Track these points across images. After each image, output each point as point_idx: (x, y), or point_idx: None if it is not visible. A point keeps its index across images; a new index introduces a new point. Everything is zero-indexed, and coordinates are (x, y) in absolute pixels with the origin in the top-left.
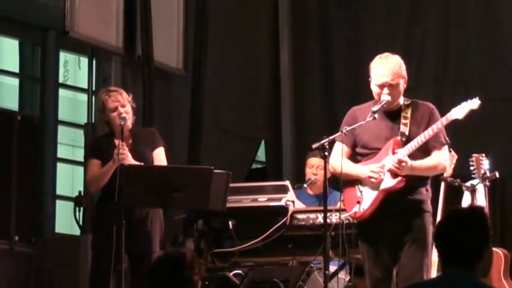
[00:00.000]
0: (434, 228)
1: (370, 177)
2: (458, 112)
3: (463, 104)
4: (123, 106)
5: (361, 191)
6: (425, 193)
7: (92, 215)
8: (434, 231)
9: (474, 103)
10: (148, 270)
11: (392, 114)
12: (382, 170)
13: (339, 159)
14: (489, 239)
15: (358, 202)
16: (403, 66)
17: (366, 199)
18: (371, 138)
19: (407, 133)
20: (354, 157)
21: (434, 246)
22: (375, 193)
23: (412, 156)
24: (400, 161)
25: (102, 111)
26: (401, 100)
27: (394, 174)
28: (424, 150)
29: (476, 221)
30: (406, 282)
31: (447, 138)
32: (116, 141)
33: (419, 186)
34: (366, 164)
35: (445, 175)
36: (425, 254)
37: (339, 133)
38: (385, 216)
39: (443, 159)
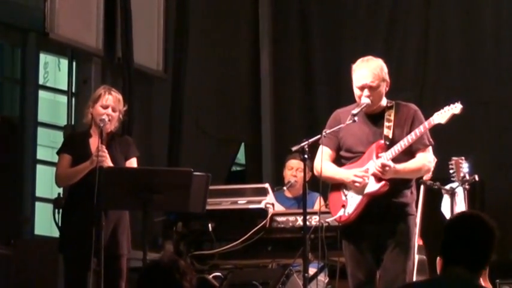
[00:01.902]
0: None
1: (354, 181)
2: (441, 117)
3: (446, 108)
4: (114, 111)
5: (346, 195)
6: (410, 196)
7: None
8: (444, 231)
9: (456, 108)
10: (140, 275)
11: (376, 117)
12: (366, 174)
13: (324, 163)
14: (493, 249)
15: (343, 206)
16: (385, 70)
17: (351, 203)
18: (355, 142)
19: (390, 136)
20: (339, 160)
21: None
22: (359, 197)
23: (397, 159)
24: (383, 165)
25: (94, 102)
26: (384, 102)
27: (378, 178)
28: (408, 153)
29: (485, 222)
30: (388, 285)
31: (431, 140)
32: (91, 141)
33: (404, 189)
34: (349, 168)
35: (424, 178)
36: (408, 257)
37: (320, 136)
38: (370, 220)
39: (428, 160)
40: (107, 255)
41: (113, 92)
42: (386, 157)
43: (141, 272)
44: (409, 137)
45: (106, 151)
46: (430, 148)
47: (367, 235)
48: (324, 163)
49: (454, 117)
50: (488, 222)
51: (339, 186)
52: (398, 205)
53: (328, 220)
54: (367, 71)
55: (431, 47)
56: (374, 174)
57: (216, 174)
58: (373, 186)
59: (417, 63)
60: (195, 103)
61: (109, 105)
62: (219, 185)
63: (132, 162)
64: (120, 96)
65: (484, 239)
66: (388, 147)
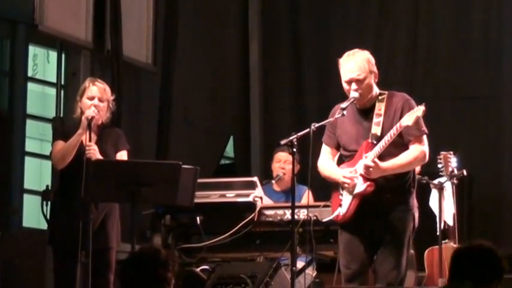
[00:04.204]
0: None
1: (344, 182)
2: (408, 118)
3: (413, 110)
4: (101, 101)
5: (341, 194)
6: (407, 190)
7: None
8: (452, 258)
9: (419, 109)
10: (122, 266)
11: (368, 112)
12: (355, 174)
13: (324, 162)
14: (501, 276)
15: (340, 205)
16: (372, 61)
17: (344, 203)
18: (348, 140)
19: (379, 133)
20: (340, 158)
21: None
22: (350, 197)
23: (390, 153)
24: (366, 167)
25: (81, 96)
26: (375, 93)
27: (366, 178)
28: (401, 146)
29: (492, 257)
30: (382, 280)
31: (423, 128)
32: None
33: (400, 183)
34: (346, 167)
35: None
36: (402, 253)
37: (308, 129)
38: (366, 216)
39: (419, 151)
40: (96, 247)
41: (97, 82)
42: (370, 157)
43: (123, 262)
44: (385, 138)
45: (95, 145)
46: (424, 137)
47: (363, 230)
48: (324, 162)
49: (419, 119)
50: (496, 252)
51: (338, 185)
52: (393, 201)
53: (326, 219)
54: (353, 65)
55: (420, 42)
56: (361, 175)
57: (205, 168)
58: (360, 187)
59: (406, 59)
60: (184, 96)
61: (95, 96)
62: (208, 178)
63: (122, 155)
64: (105, 86)
65: (486, 259)
66: (374, 146)
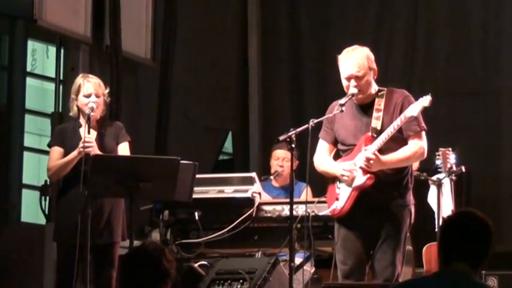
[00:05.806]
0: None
1: (343, 175)
2: (413, 109)
3: (418, 101)
4: (97, 96)
5: (339, 188)
6: (404, 186)
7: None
8: (442, 229)
9: (426, 100)
10: (125, 260)
11: (366, 107)
12: (354, 167)
13: (320, 158)
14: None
15: (337, 199)
16: (371, 58)
17: (342, 196)
18: (347, 134)
19: (379, 127)
20: (338, 153)
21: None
22: (349, 190)
23: (389, 148)
24: (367, 159)
25: (76, 94)
26: (374, 90)
27: (366, 171)
28: (400, 141)
29: (482, 220)
30: (379, 276)
31: (423, 125)
32: (81, 131)
33: (397, 179)
34: (343, 161)
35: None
36: (398, 249)
37: (307, 125)
38: (363, 211)
39: (418, 146)
40: (101, 242)
41: (90, 78)
42: (371, 150)
43: (126, 257)
44: (388, 130)
45: (93, 139)
46: (423, 133)
47: (359, 225)
48: (320, 157)
49: (425, 109)
50: (485, 219)
51: (334, 179)
52: (390, 197)
53: (322, 213)
54: (352, 61)
55: (419, 38)
56: (362, 167)
57: (203, 163)
58: (360, 179)
59: (405, 55)
60: (183, 92)
61: (91, 92)
62: (206, 174)
63: (124, 147)
64: (98, 80)
65: (482, 236)
66: (375, 140)
